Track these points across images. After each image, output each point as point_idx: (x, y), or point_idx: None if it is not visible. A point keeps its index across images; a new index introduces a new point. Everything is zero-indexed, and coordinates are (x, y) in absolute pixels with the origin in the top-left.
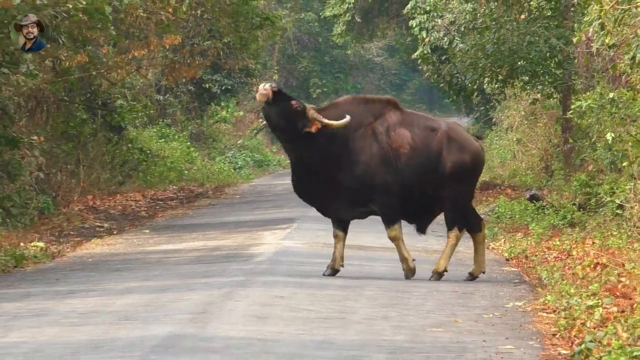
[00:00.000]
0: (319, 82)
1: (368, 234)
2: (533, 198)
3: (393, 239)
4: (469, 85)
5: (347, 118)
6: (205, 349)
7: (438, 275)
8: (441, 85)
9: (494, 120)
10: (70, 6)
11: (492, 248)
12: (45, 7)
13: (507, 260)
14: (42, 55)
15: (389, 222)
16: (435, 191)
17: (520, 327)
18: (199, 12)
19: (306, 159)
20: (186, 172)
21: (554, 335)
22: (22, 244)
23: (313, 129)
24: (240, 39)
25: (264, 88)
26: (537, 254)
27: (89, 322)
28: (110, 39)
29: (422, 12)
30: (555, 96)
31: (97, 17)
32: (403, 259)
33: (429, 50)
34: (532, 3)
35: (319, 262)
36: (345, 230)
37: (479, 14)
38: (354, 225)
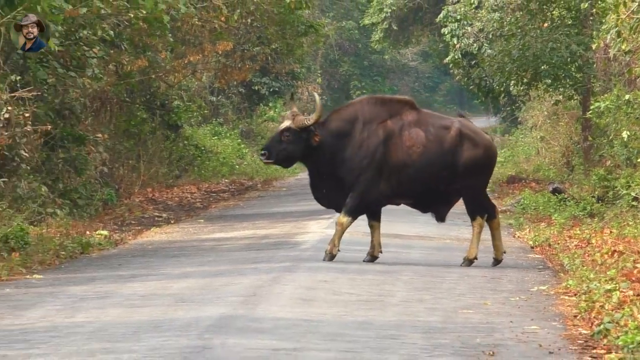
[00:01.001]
0: (359, 85)
1: (404, 224)
2: (555, 191)
3: (339, 224)
4: (497, 87)
5: (317, 97)
6: (255, 329)
7: (469, 262)
8: (471, 87)
9: (519, 119)
10: (132, 15)
11: (518, 237)
12: (109, 16)
13: (532, 248)
14: (106, 60)
15: (349, 211)
16: (451, 184)
17: (544, 309)
18: (249, 20)
19: (320, 162)
20: (237, 166)
21: (575, 316)
22: (87, 232)
23: (317, 140)
24: (287, 45)
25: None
26: (559, 242)
27: (149, 304)
28: (168, 45)
29: (453, 20)
30: (575, 98)
31: (156, 25)
32: (332, 243)
33: (460, 56)
34: (554, 12)
35: (358, 249)
36: (378, 219)
37: (505, 23)
38: (391, 215)
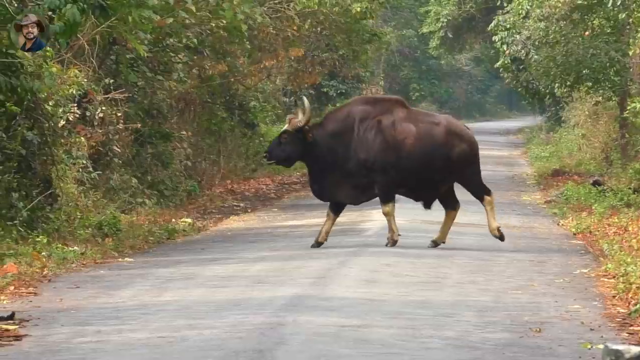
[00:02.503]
0: (417, 87)
1: (458, 212)
2: (596, 183)
3: (386, 214)
4: (542, 89)
5: (305, 101)
6: (325, 307)
7: (498, 232)
8: (519, 89)
9: (562, 118)
10: (213, 25)
11: (562, 225)
12: (193, 26)
13: (575, 234)
14: (190, 65)
15: (384, 199)
16: (446, 176)
17: (585, 290)
18: (319, 29)
19: (319, 161)
20: None
21: (613, 297)
22: (173, 220)
23: (310, 137)
24: (353, 52)
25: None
26: (599, 229)
27: (229, 285)
28: (246, 52)
29: (503, 29)
30: (614, 99)
31: (235, 33)
32: (390, 230)
33: (509, 61)
34: (594, 22)
35: (419, 235)
36: (338, 213)
37: (550, 31)
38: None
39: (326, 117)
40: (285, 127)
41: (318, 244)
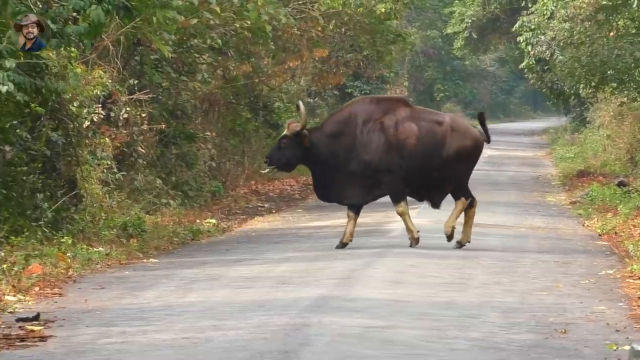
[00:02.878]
0: (442, 88)
1: (483, 213)
2: (621, 184)
3: (400, 214)
4: (567, 90)
5: (301, 105)
6: (349, 308)
7: (451, 230)
8: (544, 90)
9: (587, 119)
10: (238, 25)
11: (587, 225)
12: (217, 26)
13: (600, 235)
14: (215, 65)
15: (396, 200)
16: (442, 172)
17: (611, 291)
18: (343, 30)
19: (320, 164)
20: None
21: (639, 298)
22: (198, 220)
23: (306, 142)
24: (377, 52)
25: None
26: (624, 230)
27: (253, 285)
28: (270, 52)
29: (528, 30)
30: (639, 100)
31: (259, 34)
32: (409, 230)
33: (534, 62)
34: (619, 23)
35: (443, 236)
36: (358, 212)
37: (575, 32)
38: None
39: (327, 119)
40: (285, 132)
41: (343, 245)
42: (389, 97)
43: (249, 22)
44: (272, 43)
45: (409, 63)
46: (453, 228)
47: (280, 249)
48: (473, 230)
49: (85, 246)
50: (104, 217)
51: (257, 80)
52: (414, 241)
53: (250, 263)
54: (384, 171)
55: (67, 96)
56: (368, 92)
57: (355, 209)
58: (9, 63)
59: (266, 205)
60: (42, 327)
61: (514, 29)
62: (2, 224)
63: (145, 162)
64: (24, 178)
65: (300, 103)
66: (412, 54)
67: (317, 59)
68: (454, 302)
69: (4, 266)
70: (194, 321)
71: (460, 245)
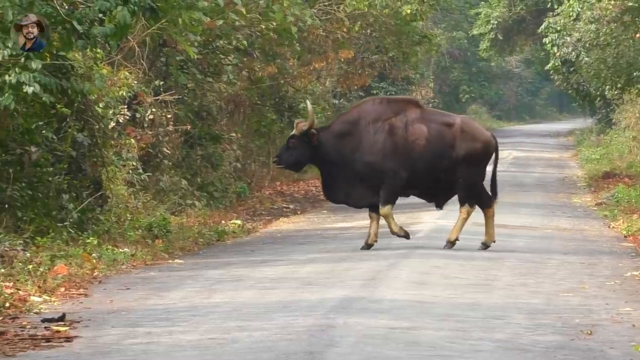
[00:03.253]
0: (467, 89)
1: (509, 215)
2: None
3: (385, 216)
4: (593, 91)
5: (308, 104)
6: (374, 309)
7: (450, 244)
8: (569, 91)
9: (613, 121)
10: (263, 27)
11: (613, 227)
12: (243, 28)
13: (625, 237)
14: (240, 67)
15: (385, 201)
16: (451, 174)
17: (637, 293)
18: (368, 31)
19: (328, 164)
20: None
21: None
22: (223, 221)
23: (315, 140)
24: (403, 54)
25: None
26: None
27: (279, 287)
28: (296, 54)
29: (553, 31)
30: None
31: (285, 35)
32: (393, 232)
33: (560, 63)
34: None
35: (469, 238)
36: (377, 211)
37: (601, 33)
38: (497, 207)
39: (337, 118)
40: (293, 131)
41: (368, 246)
42: (400, 98)
43: (274, 24)
44: (297, 44)
45: (435, 64)
46: (457, 239)
47: (306, 250)
48: (499, 232)
49: (110, 247)
50: (129, 218)
51: (282, 81)
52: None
53: (275, 264)
54: (387, 173)
55: (93, 97)
56: (393, 93)
57: (377, 209)
58: (35, 64)
59: (291, 206)
60: (67, 328)
61: (539, 31)
62: (28, 224)
63: (170, 163)
64: (50, 179)
65: (308, 102)
66: (438, 55)
67: (342, 60)
68: (479, 303)
69: (30, 267)
70: (220, 322)
71: (485, 246)
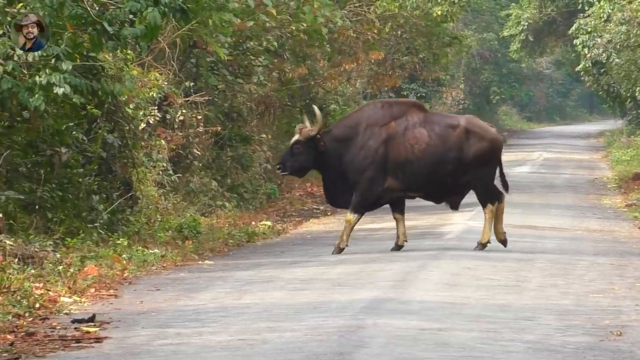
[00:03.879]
0: (498, 90)
1: (539, 216)
2: None
3: (347, 222)
4: (623, 93)
5: (316, 110)
6: (404, 310)
7: (482, 246)
8: (600, 93)
9: None
10: (294, 28)
11: None
12: (273, 29)
13: None
14: (270, 68)
15: (354, 209)
16: (461, 177)
17: None
18: (399, 32)
19: (332, 170)
20: None
21: None
22: (253, 223)
23: (322, 145)
24: (433, 55)
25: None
26: None
27: (309, 288)
28: (326, 55)
29: (584, 32)
30: None
31: (315, 37)
32: (341, 239)
33: (590, 64)
34: None
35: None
36: (402, 212)
37: (632, 34)
38: (528, 208)
39: (337, 123)
40: (297, 137)
41: (398, 248)
42: (403, 101)
43: (305, 25)
44: (327, 45)
45: (465, 66)
46: (488, 241)
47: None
48: (529, 233)
49: (140, 248)
50: (159, 219)
51: (312, 82)
52: (337, 249)
53: (305, 265)
54: (365, 179)
55: (123, 98)
56: (424, 94)
57: (399, 209)
58: (66, 65)
59: (321, 208)
60: (97, 329)
61: (570, 32)
62: (58, 225)
63: (200, 164)
64: (80, 180)
65: (315, 107)
66: (468, 57)
67: (372, 61)
68: (510, 304)
69: (60, 268)
70: (250, 323)
71: (482, 246)
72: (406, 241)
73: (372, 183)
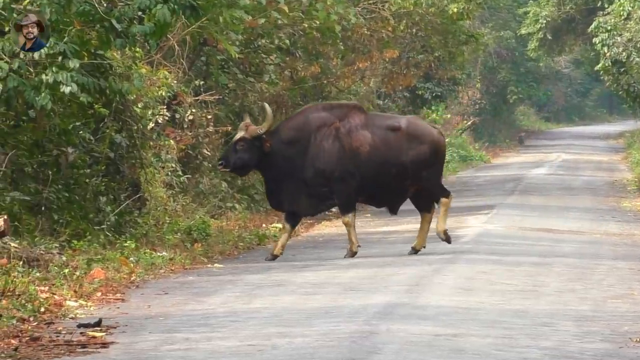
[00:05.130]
0: (515, 90)
1: (557, 219)
2: None
3: (346, 225)
4: None
5: (267, 107)
6: (418, 315)
7: (444, 235)
8: (620, 93)
9: None
10: (306, 25)
11: None
12: (285, 26)
13: None
14: (282, 66)
15: (345, 210)
16: (404, 181)
17: None
18: (414, 30)
19: (274, 170)
20: None
21: None
22: (264, 225)
23: (268, 146)
24: (449, 53)
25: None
26: None
27: (320, 292)
28: (339, 53)
29: (604, 31)
30: None
31: (328, 34)
32: (350, 242)
33: (610, 63)
34: None
35: (516, 242)
36: (296, 224)
37: None
38: (544, 210)
39: (281, 124)
40: (242, 134)
41: (273, 257)
42: (343, 104)
43: (317, 22)
44: (341, 43)
45: (482, 64)
46: (446, 231)
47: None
48: (546, 236)
49: (148, 251)
50: (168, 221)
51: (325, 81)
52: (351, 253)
53: (317, 269)
54: (337, 180)
55: (132, 97)
56: (439, 94)
57: (292, 220)
58: (73, 63)
59: (334, 210)
60: (104, 333)
61: (589, 30)
62: (64, 227)
63: (210, 165)
64: (87, 181)
65: (266, 105)
66: (485, 55)
67: (387, 59)
68: (526, 309)
69: (66, 271)
70: (260, 328)
71: (415, 251)
72: (281, 254)
73: (345, 180)
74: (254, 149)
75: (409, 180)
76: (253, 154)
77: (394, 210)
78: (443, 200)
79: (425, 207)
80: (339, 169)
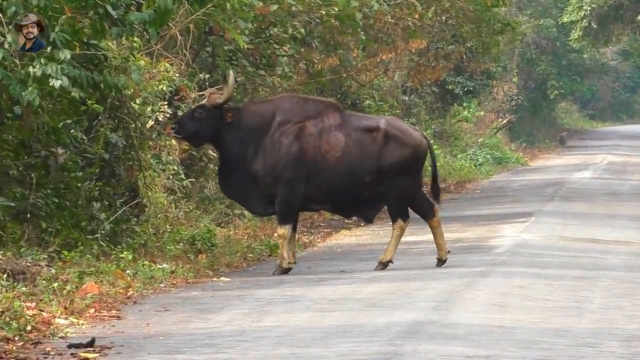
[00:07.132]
0: (556, 84)
1: (602, 228)
2: None
3: (280, 236)
4: None
5: (231, 74)
6: (448, 335)
7: (383, 266)
8: None
9: None
10: (324, 12)
11: None
12: (300, 14)
13: None
14: (297, 58)
15: (282, 220)
16: (377, 188)
17: None
18: (443, 18)
19: (227, 151)
20: (429, 168)
21: None
22: (275, 234)
23: (229, 117)
24: (482, 44)
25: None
26: None
27: (338, 308)
28: (360, 43)
29: None
30: None
31: (348, 22)
32: (281, 258)
33: None
34: None
35: (556, 254)
36: (295, 224)
37: None
38: (588, 219)
39: (248, 104)
40: (203, 101)
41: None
42: (319, 100)
43: (336, 9)
44: (362, 33)
45: (519, 56)
46: (390, 261)
47: (369, 267)
48: (590, 247)
49: (147, 262)
50: (169, 230)
51: (345, 74)
52: (281, 271)
53: (334, 283)
54: (284, 183)
55: (129, 92)
56: (472, 88)
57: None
58: (64, 54)
59: (353, 218)
60: (97, 355)
61: (639, 19)
62: (54, 237)
63: (216, 168)
64: (79, 185)
65: (231, 72)
66: (523, 46)
67: (413, 51)
68: (568, 328)
69: (55, 285)
70: (271, 349)
71: (441, 262)
72: (295, 263)
73: (292, 187)
74: (211, 119)
75: (383, 187)
76: (209, 125)
77: (369, 219)
78: (399, 223)
79: (427, 211)
80: (290, 171)
